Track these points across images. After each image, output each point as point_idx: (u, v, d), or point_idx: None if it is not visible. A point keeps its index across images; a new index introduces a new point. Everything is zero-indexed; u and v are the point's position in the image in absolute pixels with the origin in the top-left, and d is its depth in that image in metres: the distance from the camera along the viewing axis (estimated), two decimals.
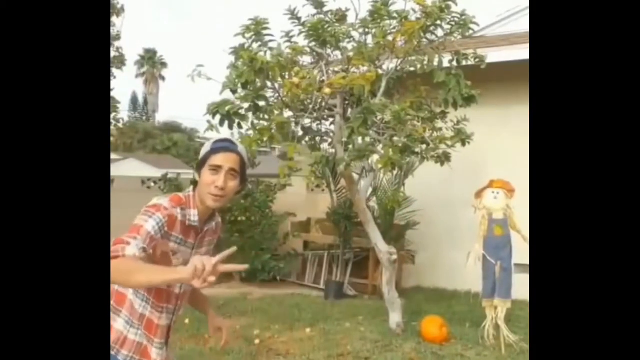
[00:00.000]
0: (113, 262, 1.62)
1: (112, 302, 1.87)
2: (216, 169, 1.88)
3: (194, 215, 1.91)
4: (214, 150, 1.89)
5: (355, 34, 5.18)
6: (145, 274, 1.63)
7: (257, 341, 4.83)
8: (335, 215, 7.03)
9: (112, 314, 1.86)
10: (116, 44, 10.65)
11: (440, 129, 5.24)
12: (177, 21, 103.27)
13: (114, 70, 10.44)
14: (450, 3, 4.87)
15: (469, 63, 5.19)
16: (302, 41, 5.07)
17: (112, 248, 1.67)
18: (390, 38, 4.93)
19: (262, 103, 4.87)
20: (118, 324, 1.86)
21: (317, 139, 5.57)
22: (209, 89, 5.14)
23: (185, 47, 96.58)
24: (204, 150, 1.93)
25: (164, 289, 1.88)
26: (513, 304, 4.81)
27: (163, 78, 48.74)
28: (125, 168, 23.63)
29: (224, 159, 1.88)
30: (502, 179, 4.89)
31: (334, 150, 5.14)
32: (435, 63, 4.97)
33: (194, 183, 2.02)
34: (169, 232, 1.83)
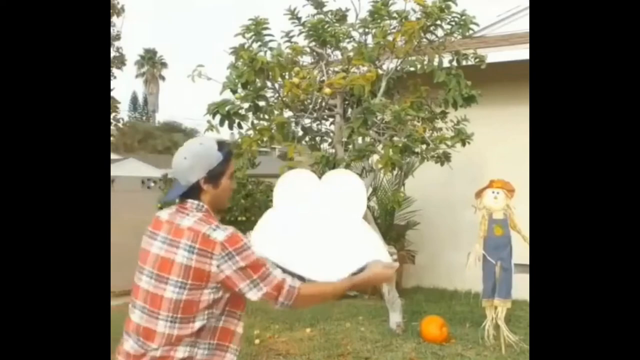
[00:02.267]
0: (301, 300, 1.77)
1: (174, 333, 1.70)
2: (232, 175, 1.90)
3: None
4: (228, 158, 1.85)
5: (355, 34, 5.18)
6: (324, 288, 1.86)
7: (257, 341, 4.82)
8: None
9: (173, 347, 1.70)
10: (116, 44, 10.67)
11: (440, 129, 5.23)
12: (177, 21, 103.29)
13: (114, 70, 10.46)
14: (450, 3, 4.87)
15: (469, 63, 5.19)
16: (302, 41, 5.08)
17: (281, 298, 1.75)
18: (390, 38, 4.93)
19: (262, 103, 4.87)
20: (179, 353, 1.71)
21: (317, 139, 5.57)
22: (209, 89, 5.15)
23: (185, 47, 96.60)
24: (213, 159, 1.80)
25: (239, 296, 1.80)
26: (513, 304, 4.81)
27: (163, 78, 48.75)
28: (125, 168, 23.62)
29: (233, 164, 1.92)
30: (502, 179, 4.88)
31: (334, 150, 5.14)
32: (435, 63, 4.97)
33: (193, 194, 1.81)
34: None
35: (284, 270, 1.82)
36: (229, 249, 1.69)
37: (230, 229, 1.75)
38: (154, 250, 1.76)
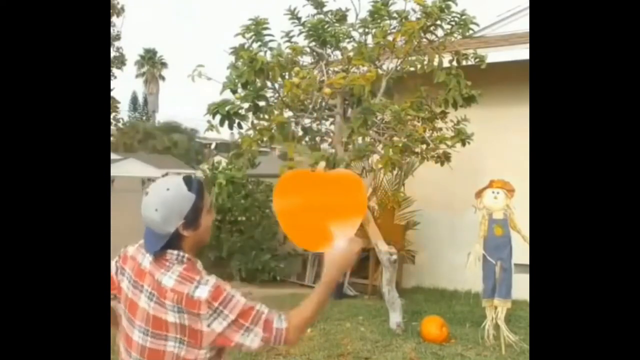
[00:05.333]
0: (293, 335, 1.66)
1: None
2: (210, 207, 1.76)
3: (201, 267, 1.77)
4: (200, 194, 1.69)
5: (355, 34, 5.19)
6: (311, 307, 1.72)
7: None
8: None
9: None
10: (116, 44, 10.68)
11: (440, 129, 5.24)
12: (177, 21, 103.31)
13: (114, 70, 10.46)
14: (450, 3, 4.87)
15: (469, 63, 5.19)
16: (302, 41, 5.08)
17: (272, 342, 1.64)
18: (390, 38, 4.93)
19: (262, 103, 4.87)
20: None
21: (317, 139, 5.58)
22: (209, 89, 5.15)
23: (185, 47, 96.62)
24: (186, 202, 1.65)
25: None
26: (513, 304, 4.81)
27: (163, 78, 48.78)
28: (125, 168, 23.61)
29: (207, 196, 1.75)
30: (502, 179, 4.88)
31: (334, 150, 5.14)
32: (435, 63, 4.98)
33: (174, 243, 1.67)
34: None
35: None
36: (214, 305, 1.58)
37: (212, 281, 1.62)
38: (142, 304, 1.65)
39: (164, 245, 1.65)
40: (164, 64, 48.70)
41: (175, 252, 1.67)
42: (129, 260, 1.74)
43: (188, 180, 1.69)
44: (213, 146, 39.96)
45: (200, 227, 1.69)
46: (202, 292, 1.59)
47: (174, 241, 1.66)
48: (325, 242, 1.83)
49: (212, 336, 1.60)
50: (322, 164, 2.05)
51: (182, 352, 1.61)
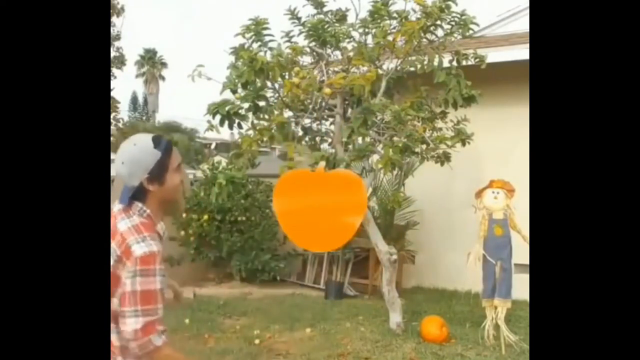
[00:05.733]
0: (156, 356, 1.68)
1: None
2: (179, 166, 1.82)
3: (164, 230, 1.83)
4: (167, 152, 1.77)
5: (355, 34, 5.19)
6: None
7: (257, 341, 4.82)
8: None
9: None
10: (116, 44, 10.68)
11: (440, 129, 5.24)
12: (177, 21, 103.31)
13: (114, 70, 10.46)
14: (450, 3, 4.87)
15: (469, 63, 5.19)
16: (302, 41, 5.08)
17: (141, 342, 1.64)
18: (390, 38, 4.93)
19: (262, 103, 4.87)
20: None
21: (317, 139, 5.58)
22: (209, 89, 5.15)
23: (185, 47, 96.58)
24: (150, 158, 1.73)
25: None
26: (513, 304, 4.81)
27: (163, 78, 48.74)
28: None
29: (178, 155, 1.82)
30: (502, 179, 4.88)
31: (334, 150, 5.14)
32: (435, 63, 4.98)
33: (140, 196, 1.75)
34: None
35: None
36: (137, 267, 1.63)
37: (152, 247, 1.67)
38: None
39: (133, 195, 1.75)
40: (164, 64, 48.65)
41: (139, 205, 1.76)
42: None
43: (156, 138, 1.78)
44: (213, 146, 39.94)
45: (165, 182, 1.77)
46: (138, 250, 1.65)
47: (140, 194, 1.75)
48: (325, 242, 1.83)
49: (121, 290, 1.64)
50: (322, 163, 2.04)
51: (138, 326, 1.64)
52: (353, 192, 1.81)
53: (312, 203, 1.73)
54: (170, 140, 1.82)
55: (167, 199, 1.81)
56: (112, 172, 1.79)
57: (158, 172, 1.75)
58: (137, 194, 1.75)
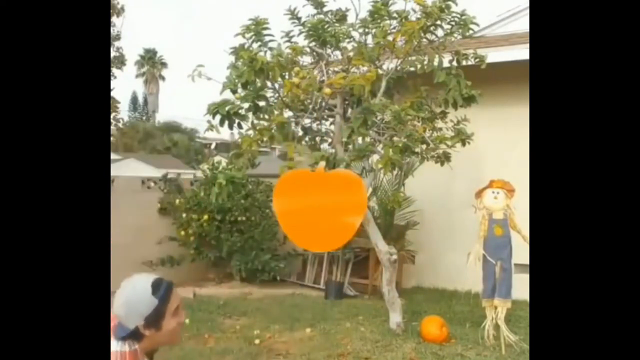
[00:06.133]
0: None
1: None
2: (177, 310, 1.82)
3: None
4: (165, 299, 1.77)
5: (355, 34, 5.18)
6: None
7: (257, 341, 4.82)
8: None
9: None
10: (116, 44, 10.67)
11: (440, 129, 5.23)
12: (177, 21, 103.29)
13: (114, 70, 10.45)
14: (450, 3, 4.87)
15: (469, 63, 5.19)
16: (302, 41, 5.08)
17: None
18: (390, 38, 4.93)
19: (262, 103, 4.87)
20: None
21: (317, 139, 5.57)
22: (209, 89, 5.14)
23: (185, 47, 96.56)
24: (147, 306, 1.73)
25: None
26: (513, 304, 4.81)
27: (163, 78, 48.76)
28: (125, 168, 23.59)
29: (177, 298, 1.83)
30: (502, 179, 4.88)
31: (334, 150, 5.14)
32: (435, 63, 4.97)
33: (136, 337, 1.75)
34: None
35: None
36: None
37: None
38: None
39: (130, 335, 1.73)
40: (164, 64, 48.67)
41: (127, 344, 1.73)
42: None
43: (156, 284, 1.77)
44: (213, 146, 39.94)
45: (162, 329, 1.76)
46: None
47: (135, 336, 1.74)
48: (325, 242, 1.83)
49: None
50: (322, 163, 2.05)
51: None
52: (353, 192, 1.82)
53: (312, 203, 1.74)
54: (171, 283, 1.82)
55: (161, 342, 1.81)
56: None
57: (155, 319, 1.74)
58: (133, 335, 1.74)
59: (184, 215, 7.09)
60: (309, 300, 6.50)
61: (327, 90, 4.58)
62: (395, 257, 5.23)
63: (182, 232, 7.11)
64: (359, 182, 1.85)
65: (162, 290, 1.76)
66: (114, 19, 10.10)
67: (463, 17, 4.93)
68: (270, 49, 4.86)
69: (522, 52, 5.80)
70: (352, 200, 1.82)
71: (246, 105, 4.80)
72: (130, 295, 1.74)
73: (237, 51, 4.83)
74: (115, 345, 1.71)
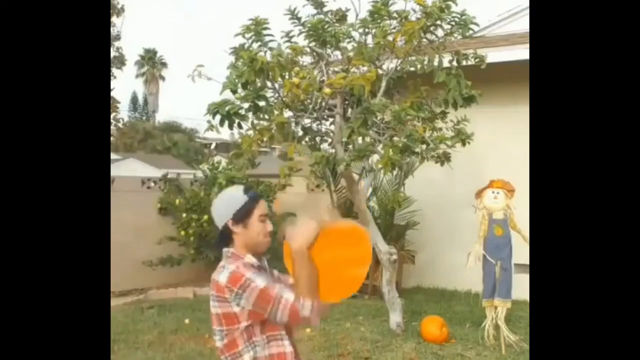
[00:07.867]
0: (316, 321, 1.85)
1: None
2: (264, 217, 1.99)
3: (251, 259, 1.99)
4: (254, 199, 1.97)
5: (355, 34, 5.18)
6: (306, 284, 1.87)
7: None
8: None
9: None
10: (116, 44, 10.68)
11: (440, 129, 5.23)
12: (177, 21, 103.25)
13: (114, 70, 10.47)
14: (450, 3, 4.86)
15: (469, 63, 5.19)
16: (302, 41, 5.07)
17: (291, 312, 1.81)
18: (390, 38, 4.92)
19: (262, 103, 4.86)
20: None
21: (317, 139, 5.57)
22: (209, 89, 5.14)
23: (185, 47, 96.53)
24: (238, 201, 1.95)
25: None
26: (513, 304, 4.81)
27: (163, 78, 48.74)
28: (125, 168, 23.59)
29: (264, 207, 2.01)
30: (502, 179, 4.89)
31: (334, 150, 5.13)
32: (435, 63, 4.97)
33: (226, 240, 1.98)
34: None
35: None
36: (234, 290, 1.81)
37: (231, 267, 1.85)
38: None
39: (222, 241, 1.96)
40: (164, 64, 48.67)
41: (225, 249, 1.96)
42: None
43: (248, 187, 2.04)
44: (213, 146, 39.95)
45: (248, 226, 1.95)
46: (222, 278, 1.83)
47: (227, 237, 1.96)
48: (335, 293, 1.99)
49: (245, 313, 1.83)
50: (327, 216, 2.14)
51: (224, 341, 1.86)
52: (358, 245, 1.93)
53: (319, 260, 1.86)
54: (260, 193, 2.01)
55: (249, 244, 1.97)
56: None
57: (242, 215, 1.94)
58: (225, 238, 1.96)
59: (184, 215, 7.09)
60: None
61: (327, 90, 4.58)
62: (395, 257, 5.22)
63: (182, 232, 7.11)
64: (363, 234, 1.89)
65: (252, 193, 1.99)
66: (114, 19, 10.11)
67: (463, 17, 4.93)
68: (270, 49, 4.85)
69: (522, 52, 5.81)
70: (358, 253, 1.96)
71: (246, 105, 4.79)
72: (224, 194, 2.02)
73: (237, 51, 4.83)
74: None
